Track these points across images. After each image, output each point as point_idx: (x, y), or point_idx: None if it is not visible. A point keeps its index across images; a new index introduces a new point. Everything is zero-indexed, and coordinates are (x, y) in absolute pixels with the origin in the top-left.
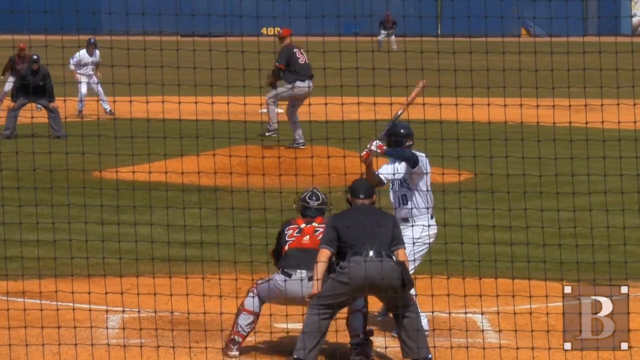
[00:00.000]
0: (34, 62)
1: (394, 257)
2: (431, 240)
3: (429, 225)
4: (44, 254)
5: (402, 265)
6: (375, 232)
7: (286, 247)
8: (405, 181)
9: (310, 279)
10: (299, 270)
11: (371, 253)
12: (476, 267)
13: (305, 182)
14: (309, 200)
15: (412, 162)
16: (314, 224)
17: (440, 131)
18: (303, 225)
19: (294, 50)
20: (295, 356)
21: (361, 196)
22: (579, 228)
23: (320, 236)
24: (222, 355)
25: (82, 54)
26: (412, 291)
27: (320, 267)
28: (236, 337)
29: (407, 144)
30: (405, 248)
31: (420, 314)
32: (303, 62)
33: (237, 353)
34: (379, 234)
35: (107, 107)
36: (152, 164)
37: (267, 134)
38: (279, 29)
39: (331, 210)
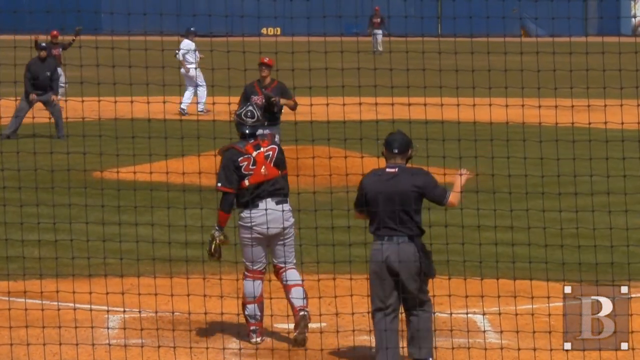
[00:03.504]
0: (42, 49)
1: (416, 240)
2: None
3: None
4: (45, 254)
5: (423, 250)
6: (399, 207)
7: (246, 182)
8: None
9: (277, 202)
10: (266, 200)
11: (391, 233)
12: (477, 267)
13: (307, 183)
14: (244, 118)
15: None
16: (262, 149)
17: (442, 131)
18: (254, 154)
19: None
20: None
21: (395, 150)
22: (581, 229)
23: (274, 161)
24: (242, 342)
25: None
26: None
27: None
28: (252, 327)
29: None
30: (450, 193)
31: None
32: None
33: (259, 339)
34: (403, 209)
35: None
36: (153, 164)
37: None
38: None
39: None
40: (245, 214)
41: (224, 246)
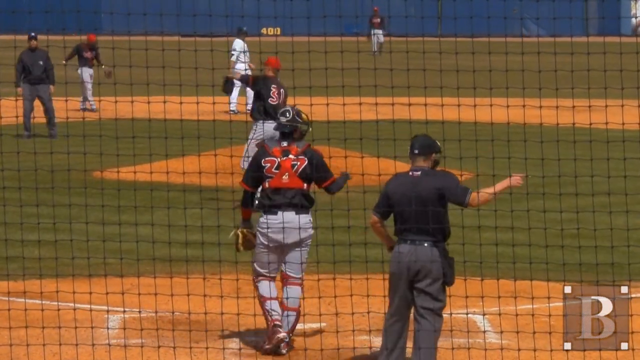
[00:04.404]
0: (32, 38)
1: (439, 245)
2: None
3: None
4: (45, 254)
5: (444, 256)
6: (421, 211)
7: (267, 184)
8: None
9: (296, 213)
10: (283, 209)
11: (412, 237)
12: (477, 267)
13: None
14: (280, 117)
15: None
16: (290, 156)
17: (442, 131)
18: (280, 159)
19: (272, 85)
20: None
21: (416, 151)
22: (582, 229)
23: (299, 172)
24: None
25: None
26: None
27: (378, 233)
28: (276, 322)
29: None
30: (471, 191)
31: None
32: (275, 103)
33: (285, 334)
34: (425, 212)
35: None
36: (153, 164)
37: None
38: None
39: (310, 130)
40: (263, 219)
41: (247, 238)
